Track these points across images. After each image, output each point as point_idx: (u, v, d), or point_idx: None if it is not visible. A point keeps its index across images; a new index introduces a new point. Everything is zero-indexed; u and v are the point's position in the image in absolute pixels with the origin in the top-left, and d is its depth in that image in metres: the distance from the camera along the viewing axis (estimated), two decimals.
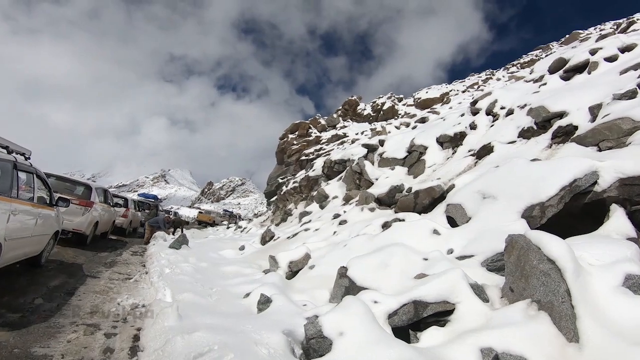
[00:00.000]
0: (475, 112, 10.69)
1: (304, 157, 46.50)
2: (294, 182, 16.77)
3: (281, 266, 6.83)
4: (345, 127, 51.69)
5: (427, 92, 57.60)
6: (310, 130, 51.23)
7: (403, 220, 7.01)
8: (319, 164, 18.76)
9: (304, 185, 15.50)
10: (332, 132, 50.35)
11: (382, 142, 12.54)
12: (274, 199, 28.37)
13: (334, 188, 11.97)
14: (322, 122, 52.80)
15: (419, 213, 7.35)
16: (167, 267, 6.01)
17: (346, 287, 4.93)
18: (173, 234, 16.02)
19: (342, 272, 5.13)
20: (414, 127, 14.02)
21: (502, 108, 9.73)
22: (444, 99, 48.65)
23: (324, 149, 45.82)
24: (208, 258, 8.35)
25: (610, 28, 31.88)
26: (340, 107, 56.17)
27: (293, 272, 6.70)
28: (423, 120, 15.05)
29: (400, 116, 49.29)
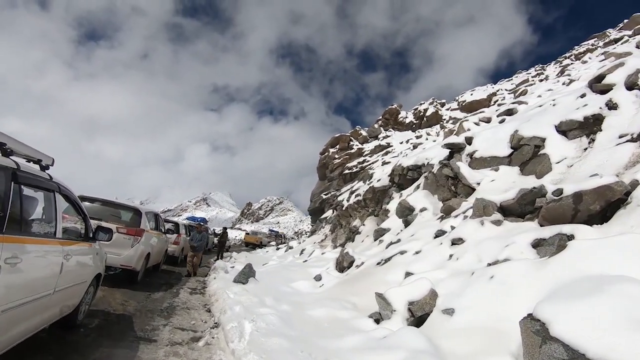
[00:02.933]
0: (604, 90, 8.26)
1: (347, 171, 44.60)
2: (356, 196, 14.78)
3: (397, 309, 4.82)
4: (388, 136, 49.36)
5: (471, 94, 54.29)
6: (351, 143, 49.38)
7: (572, 236, 4.78)
8: (379, 173, 16.73)
9: (369, 197, 13.46)
10: (375, 142, 48.19)
11: (469, 140, 10.32)
12: (325, 215, 26.52)
13: (418, 198, 9.87)
14: (363, 133, 50.83)
15: (587, 224, 5.06)
16: (245, 319, 4.19)
17: None
18: (221, 257, 14.51)
19: (542, 332, 2.96)
20: (502, 121, 11.70)
21: None
22: (491, 100, 45.18)
23: (368, 161, 43.70)
24: (284, 295, 6.51)
25: None
26: (381, 117, 54.05)
27: (416, 318, 4.68)
28: (510, 112, 12.65)
29: (445, 121, 46.34)
